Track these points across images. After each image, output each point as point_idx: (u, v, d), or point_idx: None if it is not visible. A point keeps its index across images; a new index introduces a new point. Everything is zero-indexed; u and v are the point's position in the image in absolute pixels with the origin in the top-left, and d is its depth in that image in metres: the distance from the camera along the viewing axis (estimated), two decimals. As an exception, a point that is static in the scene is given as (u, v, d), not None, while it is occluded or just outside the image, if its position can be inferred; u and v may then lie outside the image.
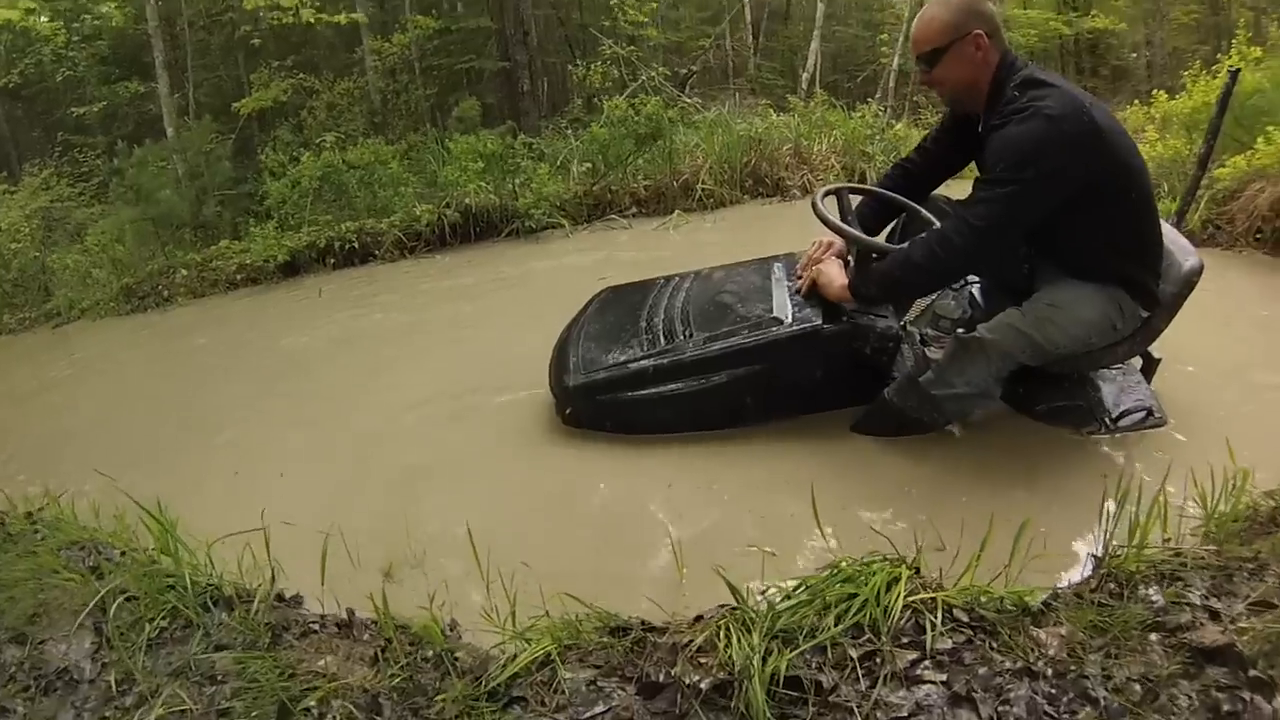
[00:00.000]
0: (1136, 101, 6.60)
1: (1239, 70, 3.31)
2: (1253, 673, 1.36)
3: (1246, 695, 1.34)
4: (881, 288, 2.56)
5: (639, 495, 2.41)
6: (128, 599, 1.73)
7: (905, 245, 2.51)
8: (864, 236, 2.63)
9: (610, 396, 2.72)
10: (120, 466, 2.58)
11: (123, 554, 1.97)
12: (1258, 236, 4.45)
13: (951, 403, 2.58)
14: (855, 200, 2.85)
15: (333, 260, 6.20)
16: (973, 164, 2.68)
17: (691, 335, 2.75)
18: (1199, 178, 3.44)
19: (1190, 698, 1.36)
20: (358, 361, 3.94)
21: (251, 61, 10.67)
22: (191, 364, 4.39)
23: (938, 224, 2.65)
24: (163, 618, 1.69)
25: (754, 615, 1.51)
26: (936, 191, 2.95)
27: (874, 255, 2.62)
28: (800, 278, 2.77)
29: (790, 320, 2.65)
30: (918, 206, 2.83)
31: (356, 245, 6.22)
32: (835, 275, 2.64)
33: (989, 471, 2.45)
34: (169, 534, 1.90)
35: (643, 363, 2.70)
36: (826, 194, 2.71)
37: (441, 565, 2.07)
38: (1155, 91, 6.21)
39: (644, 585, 1.87)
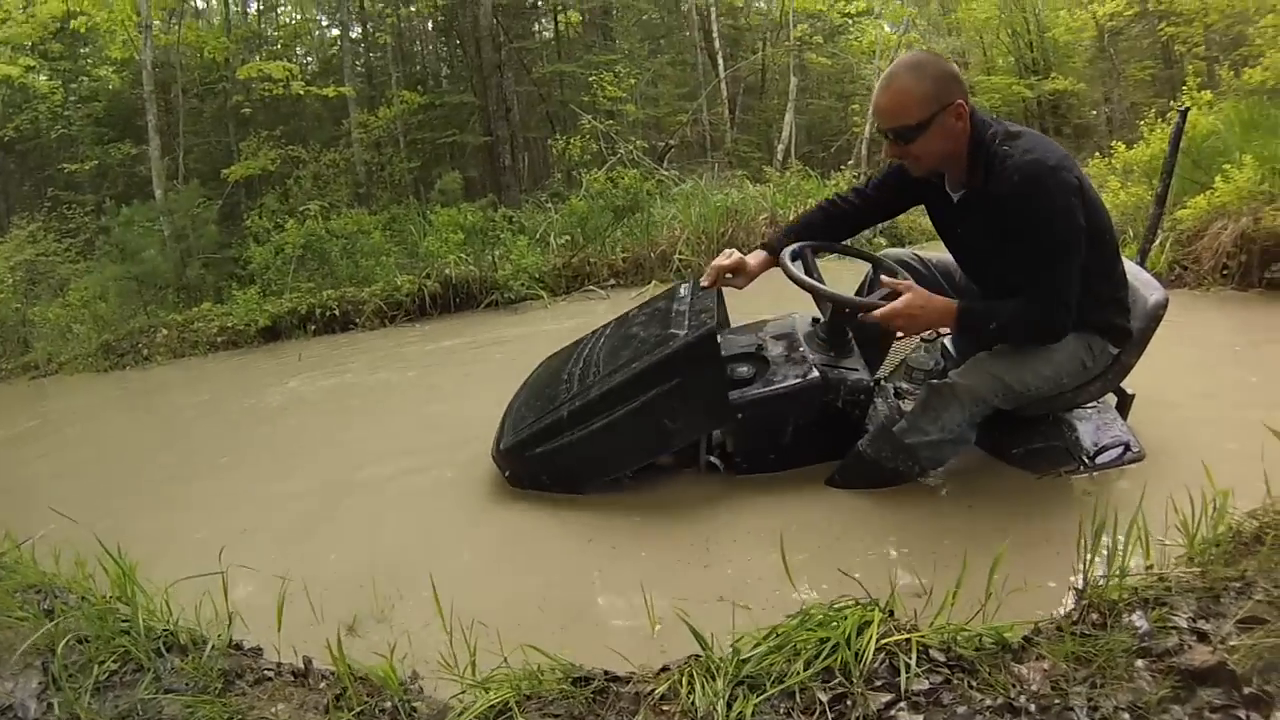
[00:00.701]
0: (1098, 154, 6.78)
1: (1188, 109, 3.47)
2: (1247, 690, 1.33)
3: (1242, 713, 1.31)
4: (986, 330, 2.46)
5: (608, 551, 2.41)
6: (79, 641, 1.75)
7: (1016, 308, 2.36)
8: (840, 294, 2.64)
9: (537, 451, 2.71)
10: (85, 514, 2.55)
11: (81, 599, 1.97)
12: (1224, 273, 4.58)
13: (926, 450, 2.53)
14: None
15: (314, 327, 6.28)
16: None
17: (599, 373, 2.74)
18: (1158, 216, 3.58)
19: None
20: (330, 420, 4.02)
21: (242, 130, 10.94)
22: (165, 419, 4.44)
23: (902, 272, 2.69)
24: (113, 661, 1.70)
25: (718, 662, 1.50)
26: (897, 248, 2.99)
27: (846, 310, 2.65)
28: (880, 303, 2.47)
29: (686, 330, 2.62)
30: (879, 258, 2.86)
31: (337, 313, 6.32)
32: (926, 303, 2.40)
33: (966, 515, 2.44)
34: (127, 578, 1.92)
35: (558, 411, 2.69)
36: (794, 255, 2.72)
37: (406, 618, 2.07)
38: (1114, 144, 6.37)
39: (613, 638, 1.84)
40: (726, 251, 2.79)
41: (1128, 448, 2.63)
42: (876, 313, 2.43)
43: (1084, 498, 2.45)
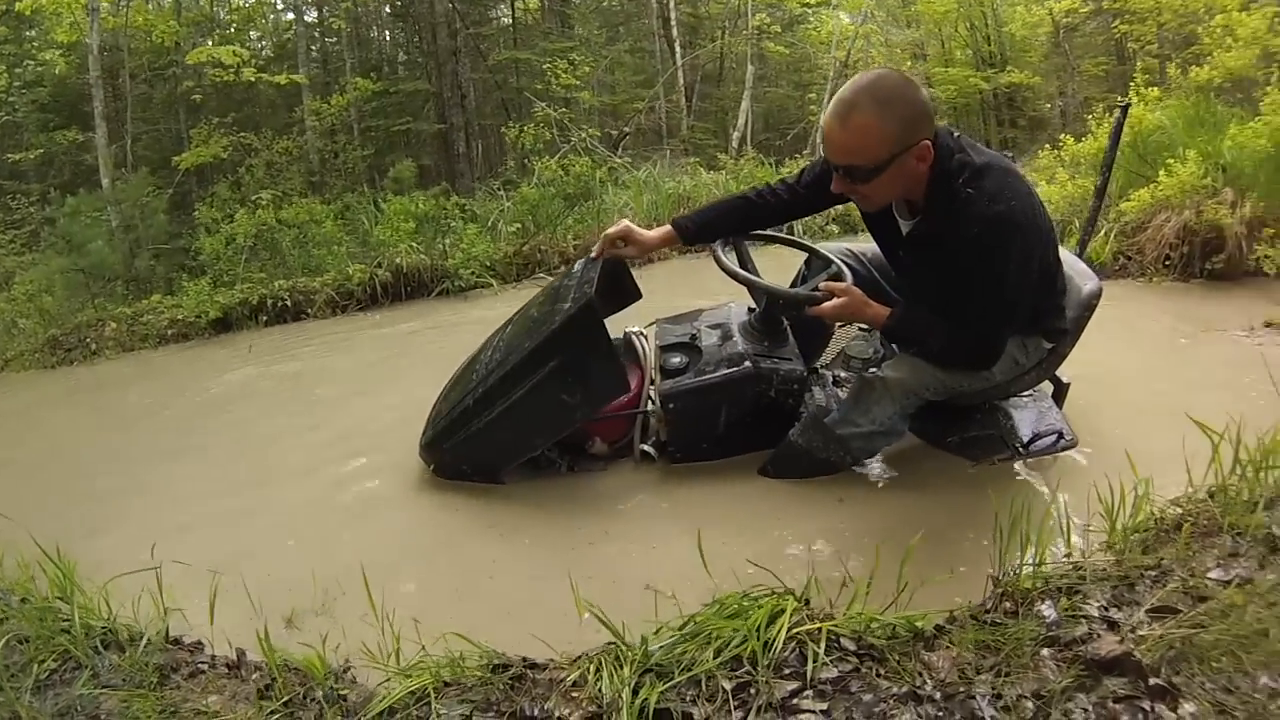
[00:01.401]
0: (1048, 146, 6.94)
1: (1129, 105, 3.59)
2: (1154, 681, 1.34)
3: (1147, 705, 1.32)
4: (912, 343, 2.51)
5: (542, 541, 2.46)
6: (20, 641, 1.79)
7: (949, 328, 2.36)
8: (772, 285, 2.69)
9: (451, 442, 2.75)
10: (28, 514, 2.56)
11: (22, 600, 2.00)
12: (1166, 264, 4.74)
13: (858, 441, 2.57)
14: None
15: (265, 317, 6.23)
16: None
17: (501, 359, 2.77)
18: (1098, 208, 3.69)
19: (1086, 711, 1.33)
20: (276, 412, 4.02)
21: (192, 117, 10.75)
22: (111, 415, 4.40)
23: (836, 262, 2.75)
24: (53, 659, 1.74)
25: (626, 650, 1.55)
26: (834, 244, 3.00)
27: (781, 300, 2.71)
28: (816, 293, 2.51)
29: (570, 302, 2.62)
30: (814, 247, 2.92)
31: (289, 303, 6.27)
32: (860, 305, 2.42)
33: (899, 504, 2.49)
34: (66, 577, 1.96)
35: (466, 399, 2.74)
36: (726, 244, 2.77)
37: (345, 610, 2.09)
38: (1063, 136, 6.50)
39: (542, 627, 1.86)
40: (618, 220, 2.80)
41: (1061, 436, 2.70)
42: (812, 309, 2.47)
43: (1016, 486, 2.52)
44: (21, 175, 10.77)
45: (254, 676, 1.69)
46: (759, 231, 2.90)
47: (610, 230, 2.79)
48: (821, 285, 2.53)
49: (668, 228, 2.78)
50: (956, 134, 2.27)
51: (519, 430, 2.69)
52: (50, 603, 1.96)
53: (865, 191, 2.23)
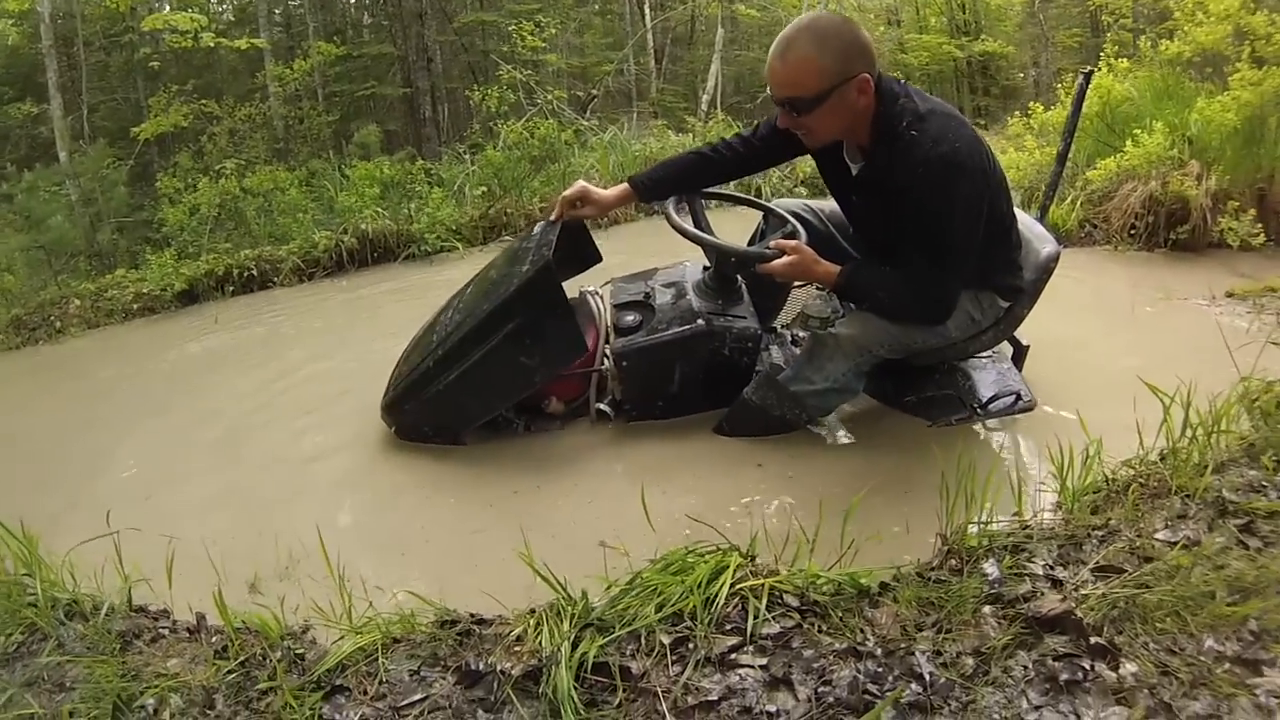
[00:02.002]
0: (1017, 113, 6.97)
1: (1091, 72, 3.60)
2: (1095, 640, 1.36)
3: (1087, 663, 1.33)
4: (863, 300, 2.53)
5: (497, 501, 2.48)
6: None
7: (899, 279, 2.39)
8: (724, 243, 2.69)
9: (412, 403, 2.76)
10: None
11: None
12: (1131, 233, 4.80)
13: (812, 398, 2.58)
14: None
15: (231, 288, 6.13)
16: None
17: (460, 321, 2.76)
18: (1059, 173, 3.71)
19: (1026, 669, 1.35)
20: (241, 380, 3.98)
21: (151, 85, 10.53)
22: (76, 392, 4.34)
23: (792, 222, 2.75)
24: (20, 632, 1.75)
25: (567, 604, 1.58)
26: (791, 200, 3.00)
27: (733, 258, 2.71)
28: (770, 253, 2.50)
29: (528, 265, 2.61)
30: (771, 207, 2.92)
31: (255, 272, 6.17)
32: (811, 264, 2.44)
33: (853, 462, 2.51)
34: (29, 552, 1.96)
35: (425, 362, 2.72)
36: (679, 203, 2.76)
37: (310, 572, 2.07)
38: (1032, 104, 6.54)
39: (497, 585, 1.90)
40: (575, 183, 2.78)
41: (1019, 397, 2.72)
42: (761, 266, 2.47)
43: (968, 446, 2.54)
44: (-26, 151, 10.54)
45: (213, 640, 1.71)
46: (718, 191, 2.90)
47: (567, 192, 2.78)
48: (772, 243, 2.54)
49: (624, 186, 2.78)
50: (904, 82, 2.31)
51: (478, 392, 2.69)
52: (16, 578, 1.96)
53: (808, 125, 2.24)
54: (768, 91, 2.30)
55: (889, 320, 2.48)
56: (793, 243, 2.48)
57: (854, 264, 2.49)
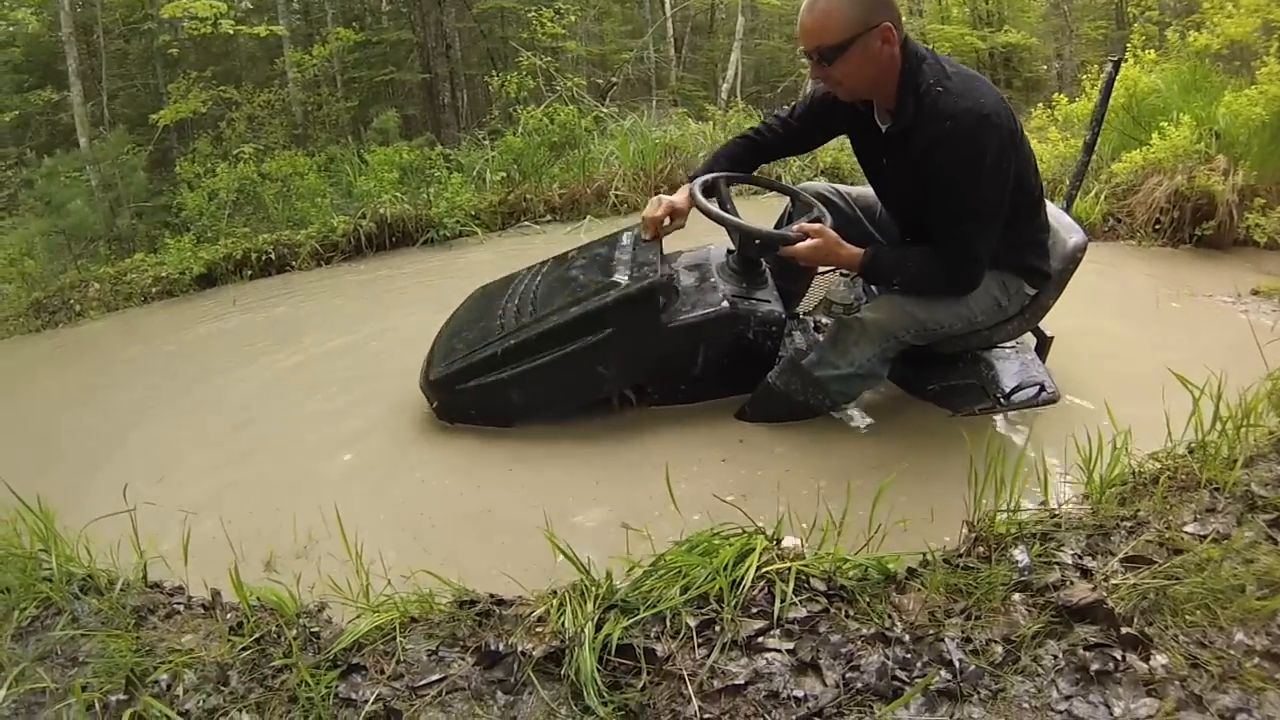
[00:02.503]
0: (1041, 104, 6.90)
1: (1120, 60, 3.54)
2: (1126, 630, 1.34)
3: (1118, 653, 1.32)
4: (888, 279, 2.52)
5: (522, 483, 2.46)
6: (3, 591, 1.79)
7: (920, 257, 2.41)
8: (749, 225, 2.65)
9: (467, 385, 2.71)
10: (9, 468, 2.50)
11: (6, 553, 2.00)
12: (1156, 228, 4.73)
13: (836, 384, 2.55)
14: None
15: (249, 271, 6.15)
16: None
17: (535, 313, 2.73)
18: (1085, 163, 3.66)
19: (1056, 658, 1.33)
20: (261, 361, 3.99)
21: (170, 72, 10.53)
22: (96, 373, 4.37)
23: (819, 207, 2.71)
24: (35, 607, 1.74)
25: (591, 586, 1.55)
26: (820, 182, 2.98)
27: (757, 240, 2.66)
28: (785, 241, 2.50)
29: (628, 281, 2.62)
30: (797, 190, 2.88)
31: (273, 256, 6.19)
32: (834, 246, 2.44)
33: (877, 450, 2.48)
34: (45, 527, 1.95)
35: (492, 347, 2.69)
36: (705, 185, 2.72)
37: (332, 550, 2.05)
38: (1057, 96, 6.47)
39: (518, 566, 1.90)
40: (654, 201, 2.75)
41: (1043, 388, 2.68)
42: (785, 249, 2.45)
43: (994, 435, 2.52)
44: (-4, 138, 10.60)
45: (228, 616, 1.69)
46: (740, 174, 2.87)
47: (653, 213, 2.73)
48: (796, 226, 2.52)
49: (687, 186, 2.74)
50: (930, 48, 2.35)
51: (544, 390, 2.69)
52: (32, 553, 1.96)
53: (837, 74, 2.27)
54: (799, 51, 2.36)
55: (917, 295, 2.46)
56: (816, 225, 2.46)
57: (877, 245, 2.48)
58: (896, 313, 2.46)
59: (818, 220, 2.64)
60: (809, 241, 2.42)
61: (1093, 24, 16.16)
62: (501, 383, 2.68)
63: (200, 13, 9.18)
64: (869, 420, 2.70)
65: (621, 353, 2.63)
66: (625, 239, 2.94)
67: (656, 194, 2.89)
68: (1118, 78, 3.87)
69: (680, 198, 2.73)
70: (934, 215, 2.32)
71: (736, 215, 2.68)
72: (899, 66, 2.25)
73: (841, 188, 2.98)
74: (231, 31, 9.75)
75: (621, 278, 2.65)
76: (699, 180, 2.71)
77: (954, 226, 2.29)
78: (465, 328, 2.97)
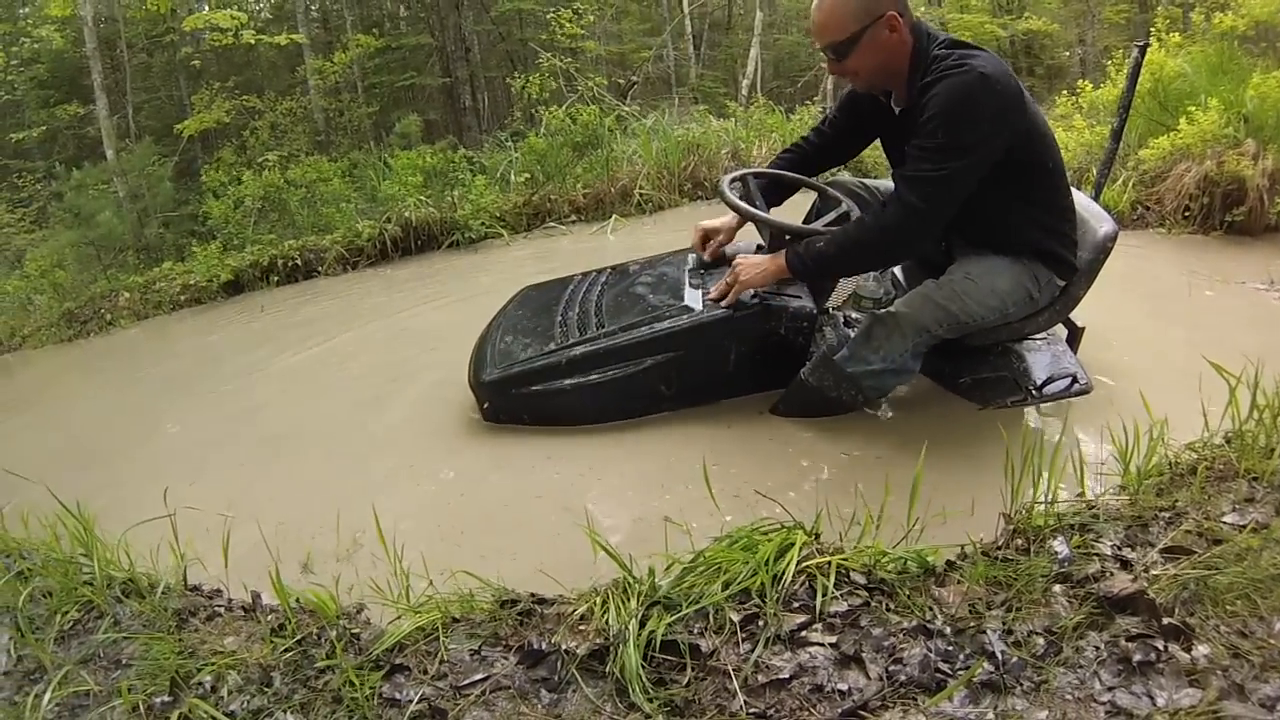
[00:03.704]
0: (1065, 91, 6.80)
1: (1147, 44, 3.48)
2: (1167, 620, 1.33)
3: (1160, 644, 1.31)
4: (820, 265, 2.47)
5: (559, 482, 2.46)
6: (45, 595, 1.82)
7: (846, 226, 2.45)
8: (774, 219, 2.65)
9: (524, 390, 2.72)
10: (49, 473, 2.52)
11: (47, 557, 2.01)
12: (1185, 215, 4.64)
13: (869, 379, 2.54)
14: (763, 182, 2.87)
15: (276, 278, 6.20)
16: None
17: (604, 326, 2.75)
18: (1114, 150, 3.59)
19: (1098, 649, 1.33)
20: (293, 365, 4.02)
21: (193, 83, 10.71)
22: (128, 380, 4.43)
23: (847, 201, 2.72)
24: (76, 610, 1.77)
25: (633, 583, 1.55)
26: (845, 175, 3.00)
27: (786, 236, 2.65)
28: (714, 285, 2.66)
29: (701, 308, 2.66)
30: (823, 186, 2.88)
31: (299, 262, 6.23)
32: (760, 262, 2.53)
33: (911, 443, 2.45)
34: (86, 531, 1.98)
35: (556, 355, 2.70)
36: (733, 180, 2.75)
37: (369, 551, 2.11)
38: (1081, 82, 6.36)
39: (556, 565, 1.90)
40: (698, 229, 2.97)
41: (1075, 379, 2.64)
42: (717, 298, 2.60)
43: (1028, 426, 2.49)
44: (25, 153, 10.77)
45: (269, 618, 1.71)
46: (772, 171, 2.88)
47: (696, 241, 2.96)
48: (734, 261, 2.62)
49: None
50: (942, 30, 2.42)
51: (604, 402, 2.71)
52: (73, 557, 1.99)
53: (851, 68, 2.33)
54: (816, 48, 2.40)
55: (853, 269, 2.55)
56: (738, 259, 2.59)
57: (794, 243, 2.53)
58: (928, 307, 2.45)
59: (847, 215, 2.69)
60: (733, 275, 2.56)
61: (1115, 8, 15.97)
62: (561, 391, 2.70)
63: (222, 24, 9.29)
64: (901, 413, 2.69)
65: (686, 375, 2.68)
66: (691, 260, 3.00)
67: (681, 192, 2.97)
68: (1144, 62, 3.82)
69: (712, 221, 2.88)
70: (906, 158, 2.30)
71: (765, 211, 2.69)
72: (909, 50, 2.30)
73: (869, 181, 2.99)
74: (253, 41, 9.87)
75: (695, 302, 2.70)
76: (728, 177, 2.75)
77: (920, 163, 2.24)
78: (520, 330, 2.97)
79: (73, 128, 10.76)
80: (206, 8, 10.87)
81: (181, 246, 7.41)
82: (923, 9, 14.95)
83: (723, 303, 2.60)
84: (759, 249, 2.88)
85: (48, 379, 4.98)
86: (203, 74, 10.67)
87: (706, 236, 2.93)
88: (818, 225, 2.73)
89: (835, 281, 3.11)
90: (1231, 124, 4.69)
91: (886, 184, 2.86)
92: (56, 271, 7.09)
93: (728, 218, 2.87)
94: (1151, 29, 6.05)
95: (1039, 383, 2.66)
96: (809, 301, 2.68)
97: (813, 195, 3.00)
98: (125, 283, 6.44)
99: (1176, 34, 5.81)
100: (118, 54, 10.19)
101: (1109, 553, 1.55)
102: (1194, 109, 4.76)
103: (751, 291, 2.65)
